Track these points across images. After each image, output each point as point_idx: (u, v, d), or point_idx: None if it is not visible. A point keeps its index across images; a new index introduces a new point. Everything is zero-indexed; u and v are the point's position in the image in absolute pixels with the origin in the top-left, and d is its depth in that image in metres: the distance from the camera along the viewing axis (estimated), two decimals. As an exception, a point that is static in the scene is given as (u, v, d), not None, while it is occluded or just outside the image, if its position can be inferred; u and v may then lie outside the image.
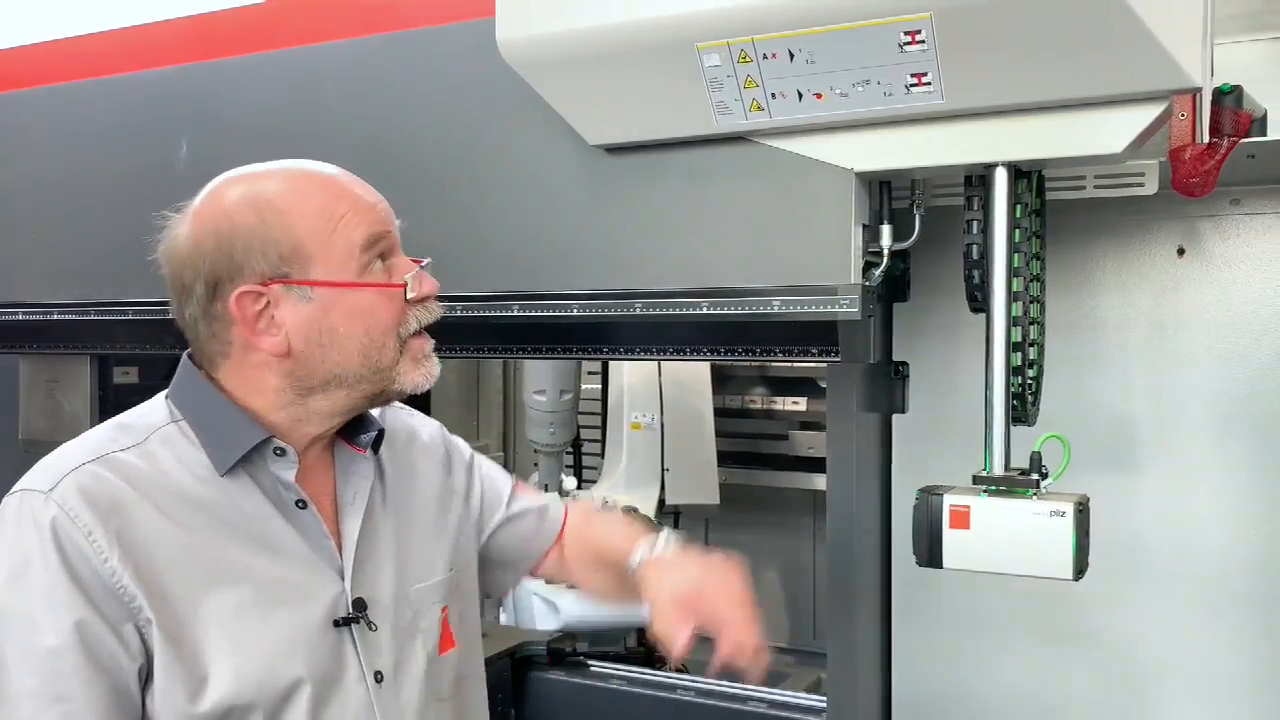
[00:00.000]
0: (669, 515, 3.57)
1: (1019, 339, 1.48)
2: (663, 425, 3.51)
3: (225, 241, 1.16)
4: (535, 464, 3.56)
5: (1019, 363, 1.48)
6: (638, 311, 1.59)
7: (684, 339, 1.61)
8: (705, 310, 1.55)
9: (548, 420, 3.42)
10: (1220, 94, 1.38)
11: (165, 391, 1.23)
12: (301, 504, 1.19)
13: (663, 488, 3.53)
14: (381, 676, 1.21)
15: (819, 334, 1.51)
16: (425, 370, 1.23)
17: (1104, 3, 1.19)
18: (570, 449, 3.67)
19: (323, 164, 1.23)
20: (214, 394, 1.19)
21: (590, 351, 1.69)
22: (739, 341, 1.57)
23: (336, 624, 1.18)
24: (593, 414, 3.82)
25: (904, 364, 2.02)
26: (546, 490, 3.44)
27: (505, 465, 4.75)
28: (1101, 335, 1.86)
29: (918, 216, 1.60)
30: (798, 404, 4.00)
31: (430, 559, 1.33)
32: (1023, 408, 1.51)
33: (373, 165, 1.82)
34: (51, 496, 1.09)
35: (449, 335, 1.81)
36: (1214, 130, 1.40)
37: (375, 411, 1.30)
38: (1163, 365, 1.83)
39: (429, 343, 1.25)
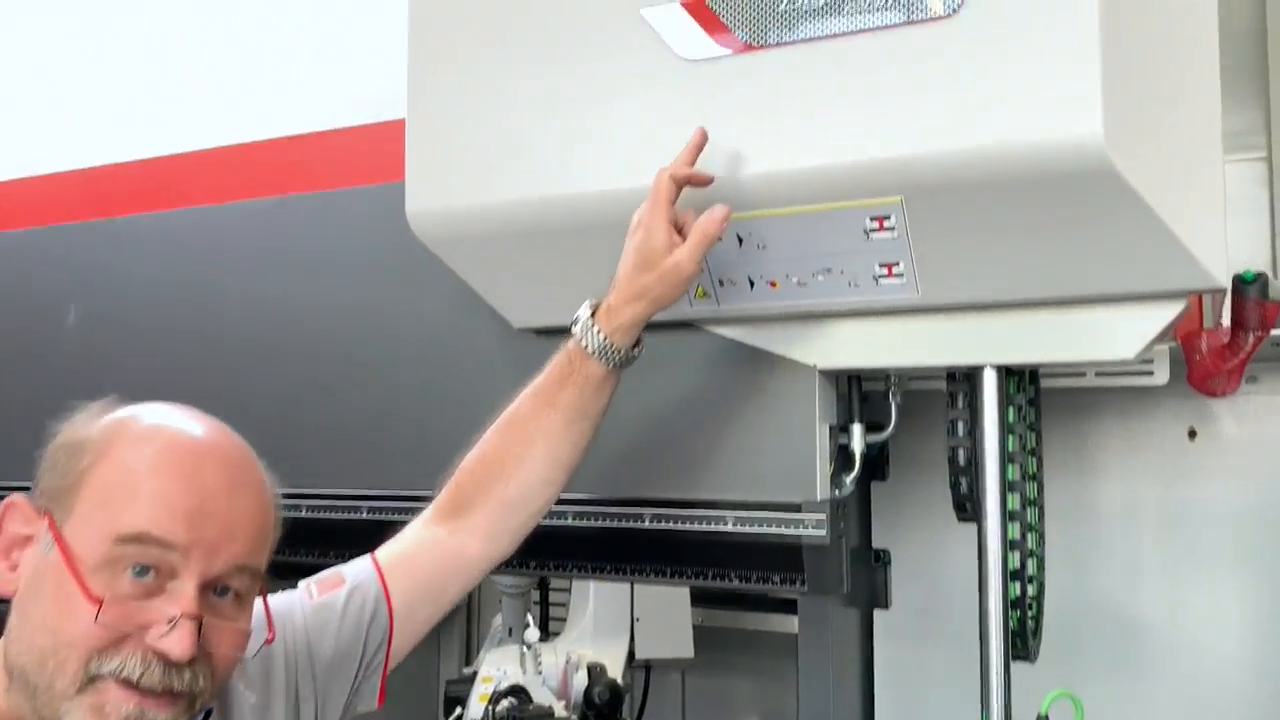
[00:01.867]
0: (639, 669, 3.30)
1: (1016, 565, 1.25)
2: (631, 571, 3.24)
3: (54, 449, 0.95)
4: (500, 603, 3.28)
5: (1018, 594, 1.24)
6: (569, 522, 1.36)
7: (625, 555, 1.38)
8: (648, 524, 1.32)
9: (512, 562, 3.15)
10: (1242, 282, 1.18)
11: None
12: None
13: (632, 639, 3.25)
14: None
15: (781, 558, 1.27)
16: None
17: (1112, 195, 0.99)
18: (537, 589, 3.42)
19: (210, 434, 0.96)
20: None
21: (516, 567, 1.45)
22: (688, 560, 1.33)
23: None
24: (560, 554, 3.55)
25: (885, 552, 1.79)
26: (510, 636, 3.17)
27: (469, 607, 4.46)
28: (1106, 526, 1.64)
29: (894, 404, 1.38)
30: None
31: None
32: (1023, 644, 1.27)
33: (273, 340, 1.62)
34: None
35: (354, 541, 1.58)
36: (1236, 323, 1.20)
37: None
38: (1175, 561, 1.61)
39: (132, 704, 0.87)
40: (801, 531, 1.24)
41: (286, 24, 1.64)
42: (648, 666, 3.34)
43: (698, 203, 1.15)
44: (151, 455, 0.92)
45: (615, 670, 3.04)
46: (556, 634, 3.30)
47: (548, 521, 1.36)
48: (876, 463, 1.68)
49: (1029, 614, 1.29)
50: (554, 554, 1.40)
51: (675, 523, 1.31)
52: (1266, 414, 1.56)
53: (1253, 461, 1.57)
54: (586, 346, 1.12)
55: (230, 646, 0.92)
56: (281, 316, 1.60)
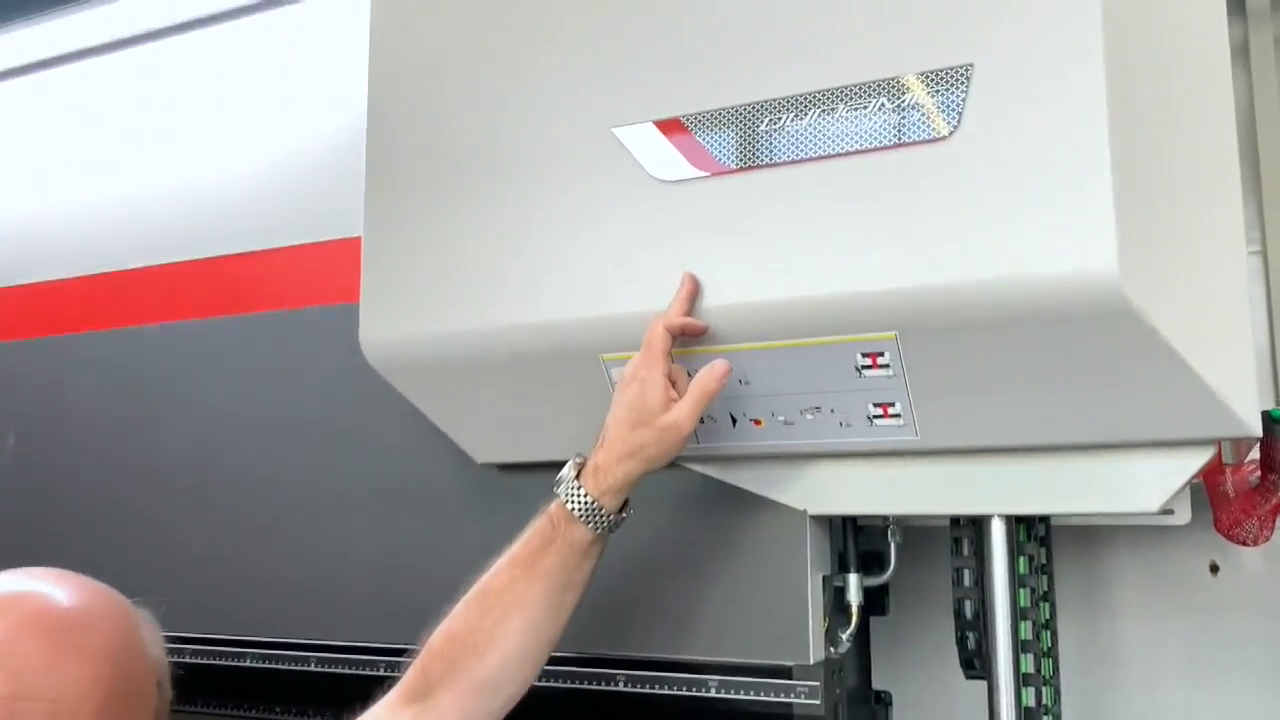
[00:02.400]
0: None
1: (1033, 730, 1.12)
2: None
3: None
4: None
5: (1035, 765, 1.11)
6: (538, 684, 1.23)
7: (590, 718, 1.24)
8: (621, 687, 1.19)
9: None
10: (1271, 420, 1.08)
11: None
12: None
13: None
14: None
15: (769, 726, 1.14)
16: None
17: (1129, 334, 0.89)
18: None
19: (45, 595, 0.84)
20: None
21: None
22: (667, 725, 1.20)
23: None
24: None
25: (885, 693, 1.65)
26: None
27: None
28: (1124, 670, 1.51)
29: (893, 545, 1.26)
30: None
31: None
32: (1044, 820, 1.13)
33: (220, 472, 1.50)
34: None
35: (295, 694, 1.45)
36: (1265, 466, 1.10)
37: None
38: (1199, 707, 1.47)
39: None
40: (793, 699, 1.11)
41: (243, 136, 1.55)
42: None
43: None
44: None
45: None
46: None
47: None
48: (876, 597, 1.55)
49: (1048, 786, 1.16)
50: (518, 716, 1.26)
51: (652, 686, 1.18)
52: (1294, 548, 1.44)
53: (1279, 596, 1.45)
54: (572, 509, 1.01)
55: None
56: (229, 447, 1.48)
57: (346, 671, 1.33)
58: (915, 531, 1.31)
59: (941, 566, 1.33)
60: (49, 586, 0.86)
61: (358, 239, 1.26)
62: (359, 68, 1.27)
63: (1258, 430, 0.94)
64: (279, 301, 1.47)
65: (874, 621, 1.64)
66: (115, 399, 1.59)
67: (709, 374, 1.02)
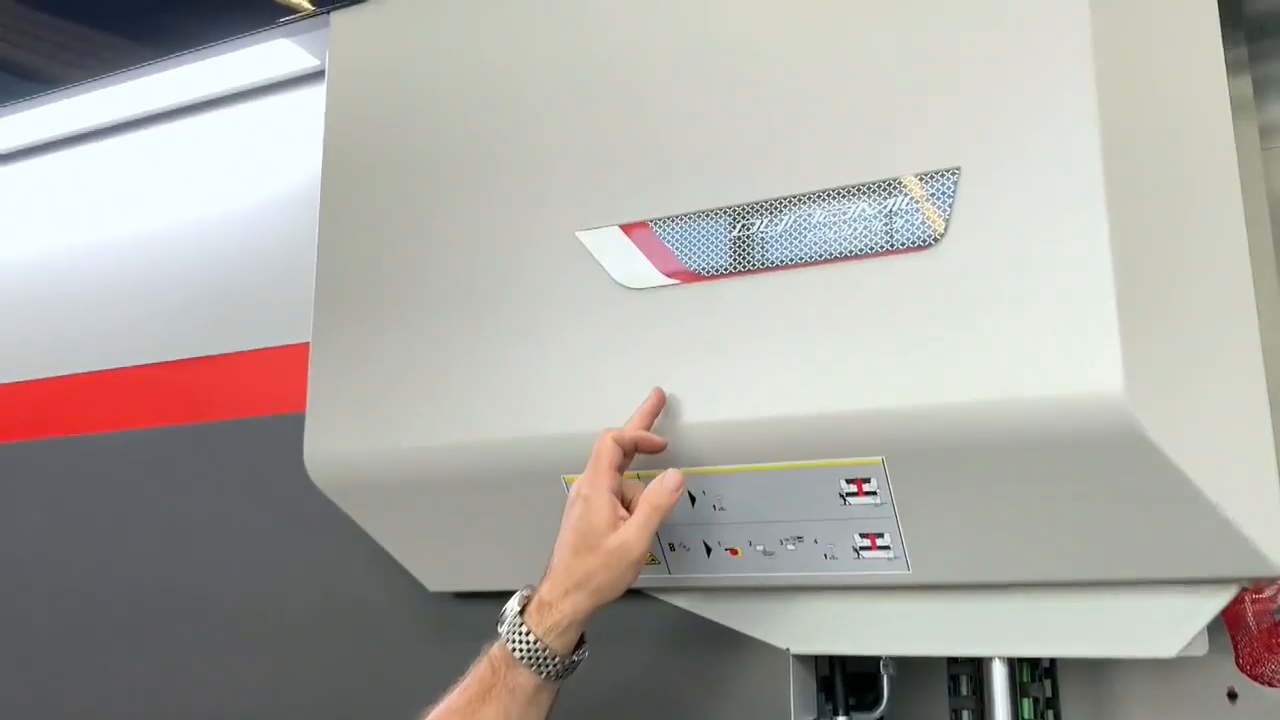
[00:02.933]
0: None
1: None
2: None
3: None
4: None
5: None
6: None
7: None
8: (586, 846, 1.07)
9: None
10: (1295, 551, 0.98)
11: None
12: None
13: None
14: None
15: None
16: None
17: (1137, 460, 0.81)
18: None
19: None
20: None
21: None
22: None
23: None
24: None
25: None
26: None
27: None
28: (1141, 808, 1.39)
29: (886, 678, 1.16)
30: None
31: None
32: None
33: (152, 588, 1.40)
34: None
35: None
36: (1292, 599, 1.00)
37: None
38: None
39: None
40: None
41: (193, 238, 1.48)
42: None
43: (645, 460, 0.97)
44: None
45: None
46: None
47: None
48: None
49: None
50: None
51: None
52: (1317, 674, 1.34)
53: (1304, 729, 1.34)
54: (514, 651, 0.90)
55: None
56: (165, 566, 1.38)
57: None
58: (911, 660, 1.21)
59: (939, 699, 1.22)
60: None
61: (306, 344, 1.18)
62: (313, 169, 1.20)
63: (1284, 568, 0.84)
64: (224, 410, 1.38)
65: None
66: (44, 512, 1.49)
67: (660, 487, 0.91)
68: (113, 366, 1.46)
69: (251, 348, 1.37)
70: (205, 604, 1.35)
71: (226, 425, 1.36)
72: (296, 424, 1.18)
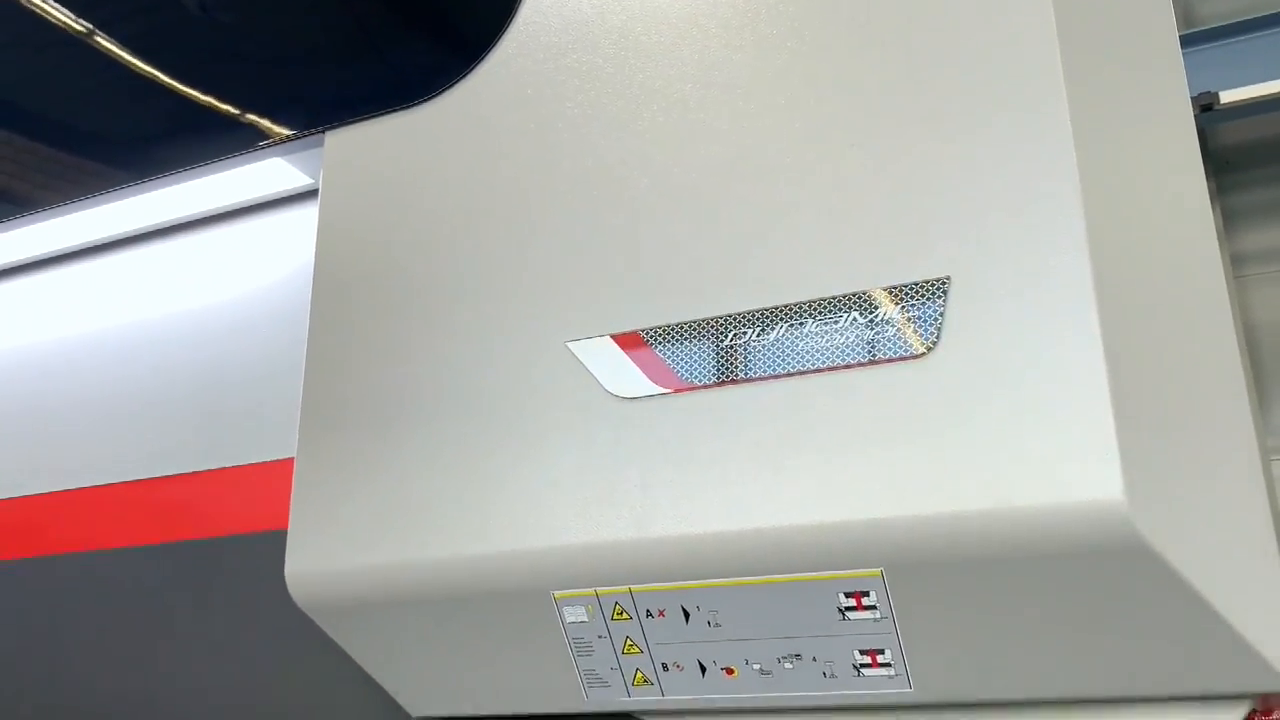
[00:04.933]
0: None
1: None
2: None
3: None
4: None
5: None
6: None
7: None
8: None
9: None
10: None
11: None
12: None
13: None
14: None
15: None
16: None
17: (1140, 570, 0.79)
18: None
19: None
20: None
21: None
22: None
23: None
24: None
25: None
26: None
27: None
28: None
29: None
30: None
31: None
32: None
33: (133, 710, 1.34)
34: None
35: None
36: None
37: None
38: None
39: None
40: None
41: (174, 352, 1.47)
42: None
43: (637, 573, 0.94)
44: None
45: None
46: None
47: None
48: None
49: None
50: None
51: None
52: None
53: None
54: None
55: None
56: (138, 690, 1.32)
57: None
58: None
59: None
60: None
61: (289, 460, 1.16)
62: (302, 285, 1.21)
63: (1299, 682, 0.82)
64: (205, 528, 1.34)
65: None
66: (16, 634, 1.43)
67: None
68: (91, 484, 1.43)
69: (234, 464, 1.35)
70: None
71: (207, 543, 1.33)
72: (278, 541, 1.15)
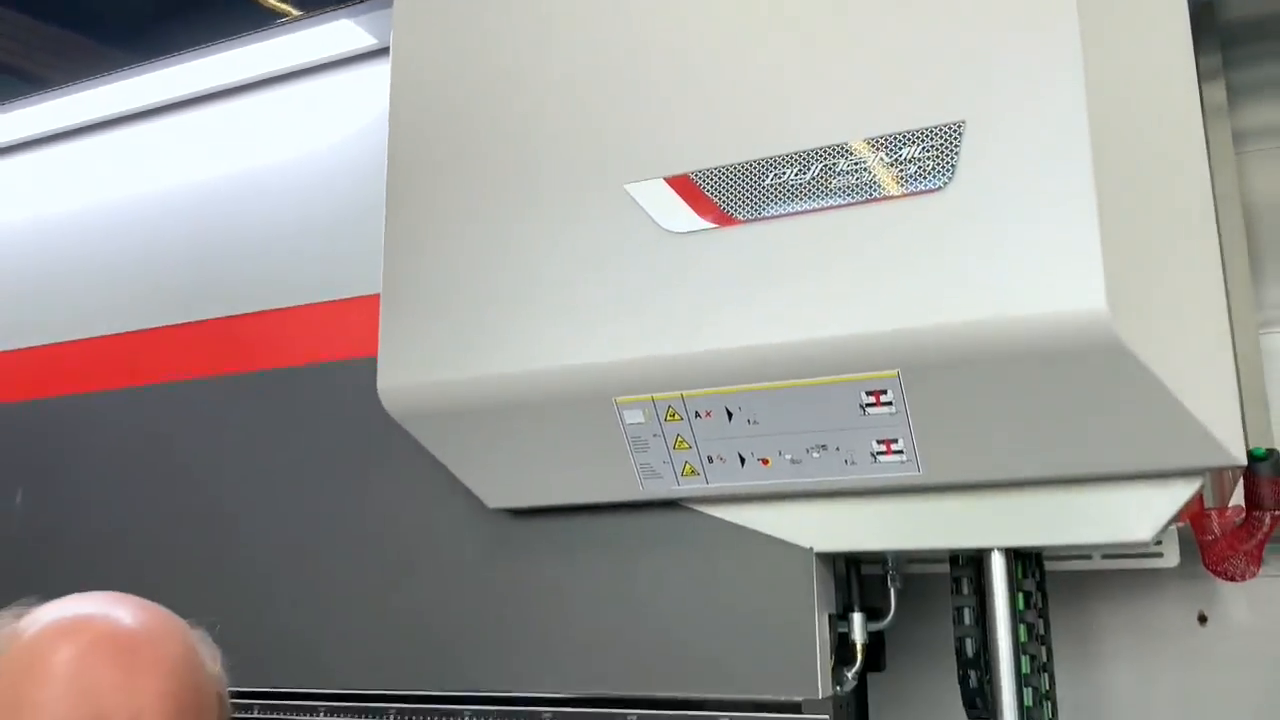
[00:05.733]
0: None
1: (1038, 768, 1.15)
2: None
3: None
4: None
5: (1040, 801, 1.14)
6: (545, 723, 1.24)
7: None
8: (632, 726, 1.21)
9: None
10: (1255, 459, 1.13)
11: None
12: None
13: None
14: None
15: (779, 763, 1.16)
16: None
17: (1115, 367, 0.95)
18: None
19: (111, 618, 0.89)
20: None
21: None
22: (677, 766, 1.21)
23: None
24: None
25: (884, 750, 1.67)
26: None
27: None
28: (1116, 717, 1.54)
29: (894, 591, 1.30)
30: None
31: None
32: None
33: (227, 527, 1.53)
34: None
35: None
36: (1251, 503, 1.15)
37: None
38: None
39: None
40: (803, 734, 1.13)
41: (258, 197, 1.62)
42: None
43: (688, 380, 1.11)
44: (35, 667, 0.85)
45: None
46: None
47: (522, 723, 1.25)
48: (873, 652, 1.58)
49: (1053, 824, 1.18)
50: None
51: (662, 725, 1.19)
52: (1278, 597, 1.49)
53: (1266, 646, 1.49)
54: None
55: None
56: (241, 499, 1.51)
57: (356, 719, 1.34)
58: (912, 585, 1.35)
59: (934, 620, 1.36)
60: (111, 609, 0.89)
61: (363, 298, 1.32)
62: (378, 123, 1.34)
63: (1242, 459, 0.99)
64: (291, 359, 1.51)
65: (871, 679, 1.66)
66: (130, 457, 1.61)
67: None
68: (190, 320, 1.59)
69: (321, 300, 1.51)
70: (288, 535, 1.47)
71: (302, 370, 1.49)
72: (359, 368, 1.32)
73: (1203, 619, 1.52)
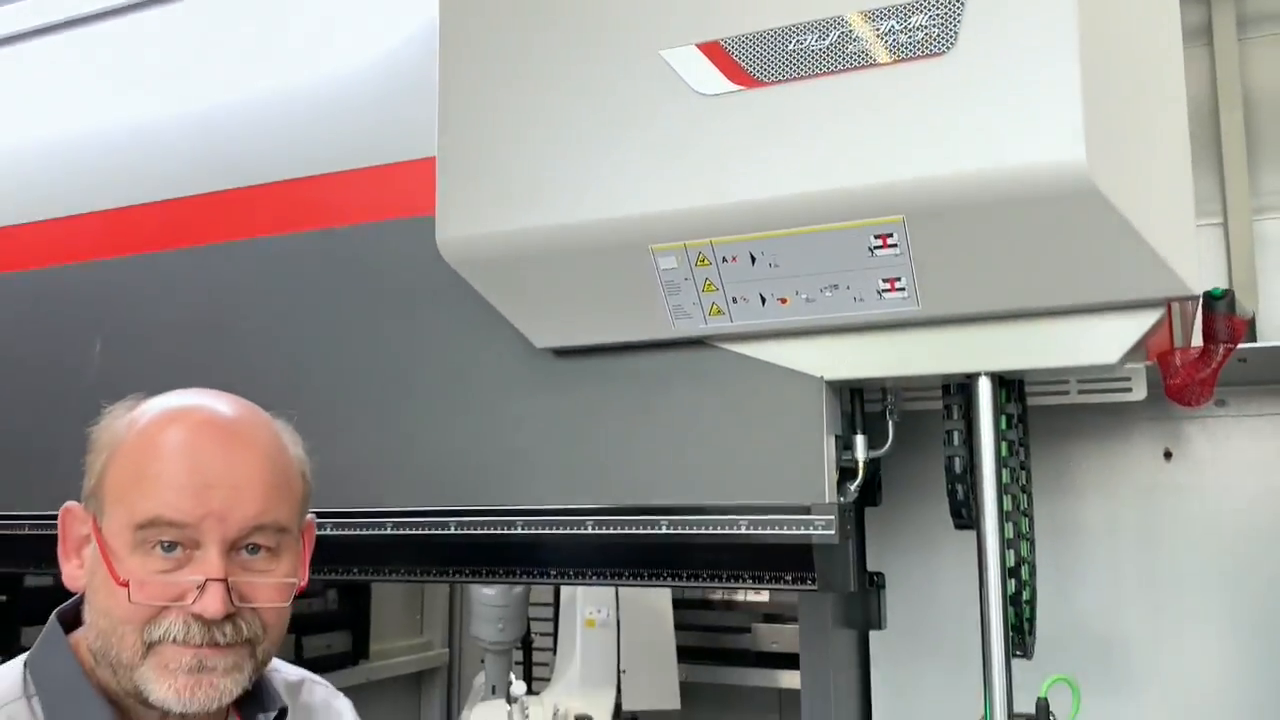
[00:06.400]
0: (626, 720, 3.31)
1: (1013, 563, 1.33)
2: (618, 621, 3.28)
3: (89, 451, 1.06)
4: (482, 661, 3.29)
5: (1014, 590, 1.33)
6: (588, 530, 1.43)
7: (639, 561, 1.45)
8: (665, 530, 1.39)
9: (496, 616, 3.17)
10: (1211, 298, 1.29)
11: (27, 654, 1.05)
12: None
13: (619, 691, 3.26)
14: None
15: (791, 558, 1.35)
16: (176, 686, 0.97)
17: (1091, 210, 1.10)
18: (520, 647, 3.41)
19: (212, 408, 1.06)
20: (71, 665, 1.02)
21: (536, 575, 1.53)
22: (701, 565, 1.41)
23: None
24: (545, 604, 3.59)
25: (879, 575, 1.87)
26: (493, 694, 3.18)
27: (450, 663, 4.42)
28: (1088, 543, 1.74)
29: (891, 423, 1.47)
30: (760, 596, 3.79)
31: None
32: (1021, 639, 1.35)
33: (299, 368, 1.69)
34: None
35: (378, 556, 1.64)
36: (1207, 337, 1.31)
37: (282, 687, 1.12)
38: (1155, 577, 1.70)
39: (189, 655, 0.98)
40: (812, 532, 1.31)
41: (313, 63, 1.74)
42: (634, 718, 3.35)
43: (717, 228, 1.26)
44: (152, 445, 1.02)
45: (602, 721, 3.05)
46: (539, 691, 3.31)
47: (568, 531, 1.44)
48: (870, 488, 1.76)
49: (1024, 612, 1.37)
50: (575, 562, 1.47)
51: (690, 528, 1.38)
52: (1235, 434, 1.67)
53: (1225, 480, 1.67)
54: None
55: (269, 598, 1.01)
56: (308, 346, 1.67)
57: (421, 533, 1.53)
58: (905, 424, 1.51)
59: (926, 459, 1.53)
60: (211, 400, 1.07)
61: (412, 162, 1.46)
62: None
63: (1197, 290, 1.15)
64: (350, 219, 1.66)
65: (868, 512, 1.86)
66: (196, 310, 1.77)
67: None
68: (253, 183, 1.73)
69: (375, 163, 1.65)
70: (353, 374, 1.63)
71: (361, 228, 1.64)
72: (414, 226, 1.48)
73: (1168, 455, 1.70)
